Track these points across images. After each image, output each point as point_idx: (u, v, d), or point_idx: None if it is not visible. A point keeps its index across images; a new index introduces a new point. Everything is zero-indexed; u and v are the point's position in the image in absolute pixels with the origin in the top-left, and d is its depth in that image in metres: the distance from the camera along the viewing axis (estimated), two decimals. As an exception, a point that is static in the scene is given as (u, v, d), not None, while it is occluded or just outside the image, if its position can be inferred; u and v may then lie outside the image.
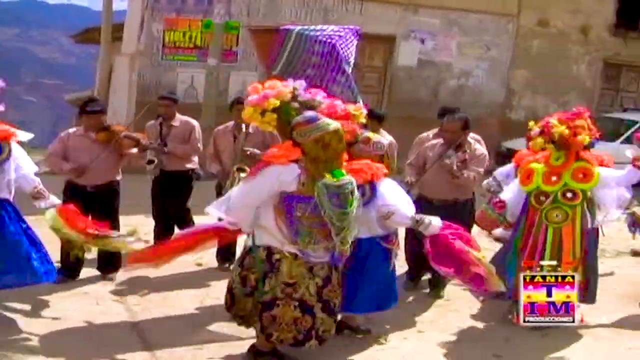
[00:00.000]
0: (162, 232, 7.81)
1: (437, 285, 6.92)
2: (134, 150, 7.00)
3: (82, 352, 5.30)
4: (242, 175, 6.83)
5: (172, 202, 7.84)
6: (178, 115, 7.89)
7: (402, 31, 15.82)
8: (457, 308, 6.61)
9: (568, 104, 15.27)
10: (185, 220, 7.76)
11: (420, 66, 16.10)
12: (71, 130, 7.02)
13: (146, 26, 14.65)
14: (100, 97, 15.99)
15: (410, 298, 6.81)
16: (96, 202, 6.68)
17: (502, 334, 5.93)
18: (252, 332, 5.60)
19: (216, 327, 5.84)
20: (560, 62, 16.93)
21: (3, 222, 5.75)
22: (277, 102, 5.47)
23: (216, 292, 6.64)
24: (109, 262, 6.94)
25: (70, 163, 6.67)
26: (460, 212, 6.59)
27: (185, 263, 7.52)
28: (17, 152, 5.91)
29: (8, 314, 5.80)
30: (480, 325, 6.25)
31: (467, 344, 5.85)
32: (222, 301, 6.29)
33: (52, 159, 6.81)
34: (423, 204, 6.67)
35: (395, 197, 5.43)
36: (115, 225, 6.71)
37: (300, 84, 5.64)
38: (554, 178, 6.07)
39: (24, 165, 5.91)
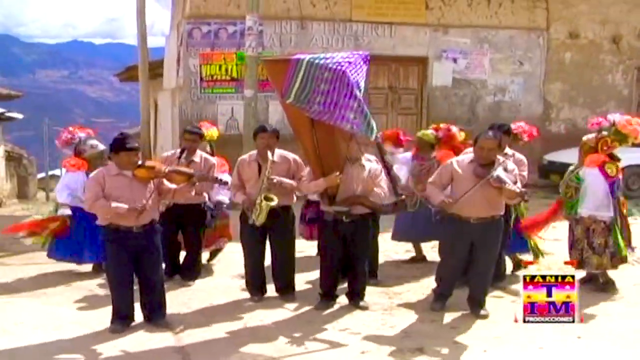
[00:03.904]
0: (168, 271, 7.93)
1: (479, 305, 6.83)
2: (173, 185, 6.48)
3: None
4: (271, 204, 6.85)
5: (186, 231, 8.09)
6: (199, 152, 7.91)
7: (433, 52, 15.99)
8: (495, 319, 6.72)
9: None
10: (194, 250, 8.13)
11: (455, 85, 16.22)
12: (101, 169, 6.52)
13: (183, 62, 15.06)
14: (144, 133, 16.43)
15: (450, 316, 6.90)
16: (142, 243, 6.36)
17: (537, 343, 6.07)
18: (289, 350, 5.92)
19: (256, 347, 6.07)
20: (595, 73, 16.93)
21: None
22: None
23: (259, 315, 6.91)
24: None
25: (123, 204, 6.18)
26: (496, 229, 6.74)
27: (230, 288, 7.85)
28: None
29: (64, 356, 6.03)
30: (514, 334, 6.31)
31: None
32: (263, 323, 6.59)
33: (101, 203, 6.20)
34: (456, 223, 6.69)
35: None
36: (160, 266, 6.70)
37: None
38: None
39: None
